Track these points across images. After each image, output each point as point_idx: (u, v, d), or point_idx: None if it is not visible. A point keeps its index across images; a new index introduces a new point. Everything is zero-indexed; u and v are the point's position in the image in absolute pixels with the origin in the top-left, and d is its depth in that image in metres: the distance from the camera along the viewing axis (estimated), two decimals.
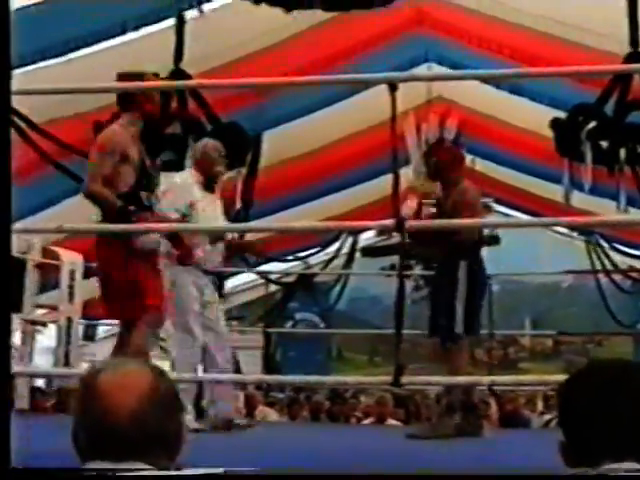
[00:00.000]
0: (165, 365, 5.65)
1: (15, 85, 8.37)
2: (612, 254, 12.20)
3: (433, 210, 6.50)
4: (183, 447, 2.01)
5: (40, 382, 10.99)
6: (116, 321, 5.75)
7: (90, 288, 10.63)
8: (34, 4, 7.55)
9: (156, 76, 5.97)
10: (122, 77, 5.48)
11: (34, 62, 7.97)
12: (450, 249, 5.96)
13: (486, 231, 11.66)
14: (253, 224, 6.35)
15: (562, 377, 2.22)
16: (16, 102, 7.85)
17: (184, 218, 6.08)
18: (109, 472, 1.91)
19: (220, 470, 1.89)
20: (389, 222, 4.70)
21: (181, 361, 6.08)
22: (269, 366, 12.18)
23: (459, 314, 5.89)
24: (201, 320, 6.21)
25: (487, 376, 6.23)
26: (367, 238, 13.62)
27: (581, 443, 2.05)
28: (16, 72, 7.98)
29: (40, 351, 10.47)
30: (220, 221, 6.47)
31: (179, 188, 6.28)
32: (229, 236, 6.71)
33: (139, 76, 5.44)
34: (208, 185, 6.39)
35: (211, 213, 6.32)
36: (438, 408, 6.77)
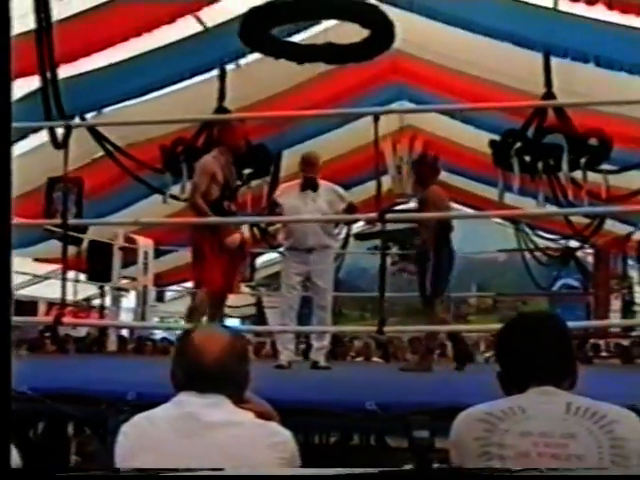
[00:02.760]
0: None
1: (106, 119, 8.27)
2: (534, 238, 12.24)
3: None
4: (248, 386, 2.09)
5: (124, 332, 11.01)
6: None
7: (159, 264, 10.67)
8: (122, 61, 7.56)
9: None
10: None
11: (121, 101, 7.96)
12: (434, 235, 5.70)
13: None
14: (270, 217, 6.28)
15: (499, 326, 2.23)
16: (106, 131, 7.88)
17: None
18: (110, 473, 1.93)
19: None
20: (373, 215, 4.71)
21: None
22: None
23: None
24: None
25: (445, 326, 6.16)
26: (358, 226, 13.57)
27: (513, 373, 2.06)
28: (107, 109, 8.03)
29: (124, 310, 10.50)
30: (303, 214, 5.92)
31: (278, 193, 6.32)
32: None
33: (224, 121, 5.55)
34: (305, 187, 6.08)
35: (302, 208, 5.93)
36: (421, 349, 6.45)
